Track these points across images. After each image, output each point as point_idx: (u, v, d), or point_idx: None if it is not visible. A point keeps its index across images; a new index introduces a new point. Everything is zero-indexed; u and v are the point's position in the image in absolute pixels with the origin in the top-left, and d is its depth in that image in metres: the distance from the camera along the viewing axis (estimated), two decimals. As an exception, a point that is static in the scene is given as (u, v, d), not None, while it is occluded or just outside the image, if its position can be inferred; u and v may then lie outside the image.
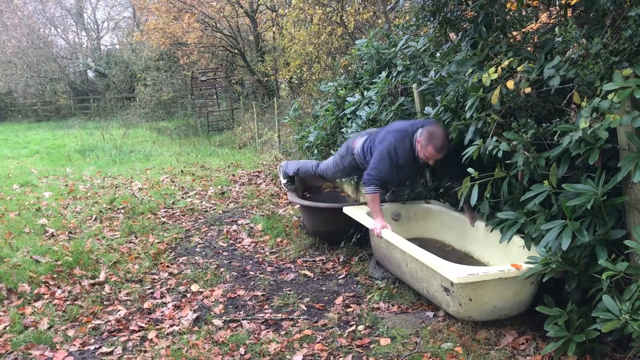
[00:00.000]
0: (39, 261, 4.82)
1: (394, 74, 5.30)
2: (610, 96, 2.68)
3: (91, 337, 3.63)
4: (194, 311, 3.94)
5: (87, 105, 26.73)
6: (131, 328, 3.73)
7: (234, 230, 5.98)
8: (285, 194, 7.15)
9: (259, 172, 9.38)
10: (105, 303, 4.15)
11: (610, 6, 3.12)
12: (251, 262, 5.02)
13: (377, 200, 4.20)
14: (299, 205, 5.92)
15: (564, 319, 2.96)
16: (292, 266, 4.86)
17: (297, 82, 13.29)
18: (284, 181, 5.70)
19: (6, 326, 3.71)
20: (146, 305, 4.09)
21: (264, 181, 8.58)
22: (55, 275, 4.56)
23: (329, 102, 6.55)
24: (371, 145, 4.36)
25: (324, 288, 4.35)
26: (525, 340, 3.26)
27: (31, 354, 3.38)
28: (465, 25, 4.15)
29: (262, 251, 5.31)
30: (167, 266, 4.92)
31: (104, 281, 4.52)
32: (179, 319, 3.85)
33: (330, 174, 5.10)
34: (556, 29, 3.39)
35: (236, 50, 18.93)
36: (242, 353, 3.34)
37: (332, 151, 6.19)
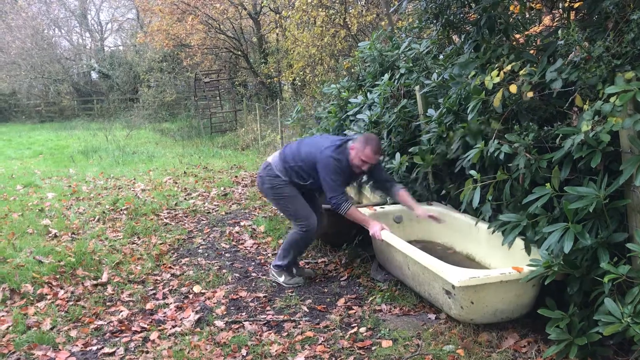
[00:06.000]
0: (42, 262, 4.84)
1: (397, 76, 5.31)
2: (612, 99, 2.68)
3: (93, 337, 3.64)
4: (196, 312, 3.95)
5: (90, 107, 26.77)
6: (133, 329, 3.74)
7: (237, 232, 5.99)
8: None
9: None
10: (107, 304, 4.16)
11: (612, 9, 3.12)
12: (253, 263, 5.03)
13: (356, 211, 4.15)
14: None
15: (566, 322, 2.95)
16: (294, 269, 4.86)
17: (300, 84, 13.31)
18: None
19: (9, 326, 3.72)
20: (148, 306, 4.10)
21: (267, 183, 8.58)
22: (58, 276, 4.58)
23: (332, 104, 6.56)
24: (294, 156, 4.26)
25: (326, 290, 4.35)
26: (527, 343, 3.25)
27: (34, 354, 3.39)
28: (468, 28, 4.16)
29: (265, 253, 5.32)
30: (170, 267, 4.93)
31: (106, 282, 4.53)
32: (181, 320, 3.86)
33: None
34: (559, 32, 3.39)
35: (239, 52, 18.97)
36: (244, 354, 3.34)
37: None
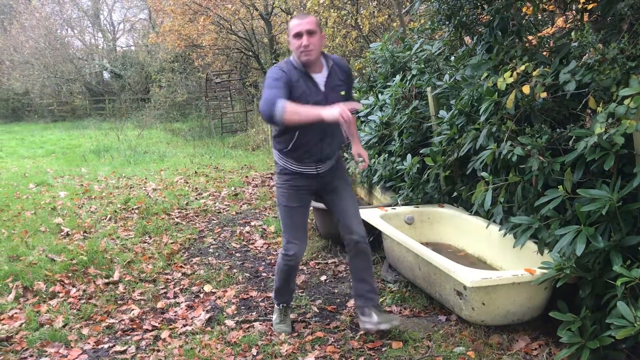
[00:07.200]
0: (55, 260, 4.88)
1: (409, 78, 5.30)
2: (626, 101, 2.67)
3: (105, 335, 3.66)
4: (207, 311, 3.97)
5: (102, 106, 26.95)
6: (144, 327, 3.76)
7: (247, 232, 6.00)
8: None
9: (272, 174, 9.41)
10: (119, 302, 4.19)
11: (627, 11, 3.10)
12: (264, 263, 5.04)
13: (294, 106, 2.98)
14: (311, 208, 5.92)
15: (578, 325, 2.94)
16: (305, 268, 4.87)
17: (311, 84, 13.27)
18: None
19: (22, 323, 3.76)
20: (159, 305, 4.13)
21: (277, 183, 8.59)
22: (70, 274, 4.61)
23: (343, 105, 6.56)
24: None
25: (336, 290, 4.35)
26: (538, 345, 3.24)
27: (46, 351, 3.43)
28: (480, 29, 4.15)
29: (275, 253, 5.32)
30: (181, 266, 4.95)
31: (118, 280, 4.56)
32: (191, 319, 3.87)
33: None
34: (572, 33, 3.38)
35: (250, 53, 19.01)
36: (254, 354, 3.35)
37: (345, 154, 6.19)
